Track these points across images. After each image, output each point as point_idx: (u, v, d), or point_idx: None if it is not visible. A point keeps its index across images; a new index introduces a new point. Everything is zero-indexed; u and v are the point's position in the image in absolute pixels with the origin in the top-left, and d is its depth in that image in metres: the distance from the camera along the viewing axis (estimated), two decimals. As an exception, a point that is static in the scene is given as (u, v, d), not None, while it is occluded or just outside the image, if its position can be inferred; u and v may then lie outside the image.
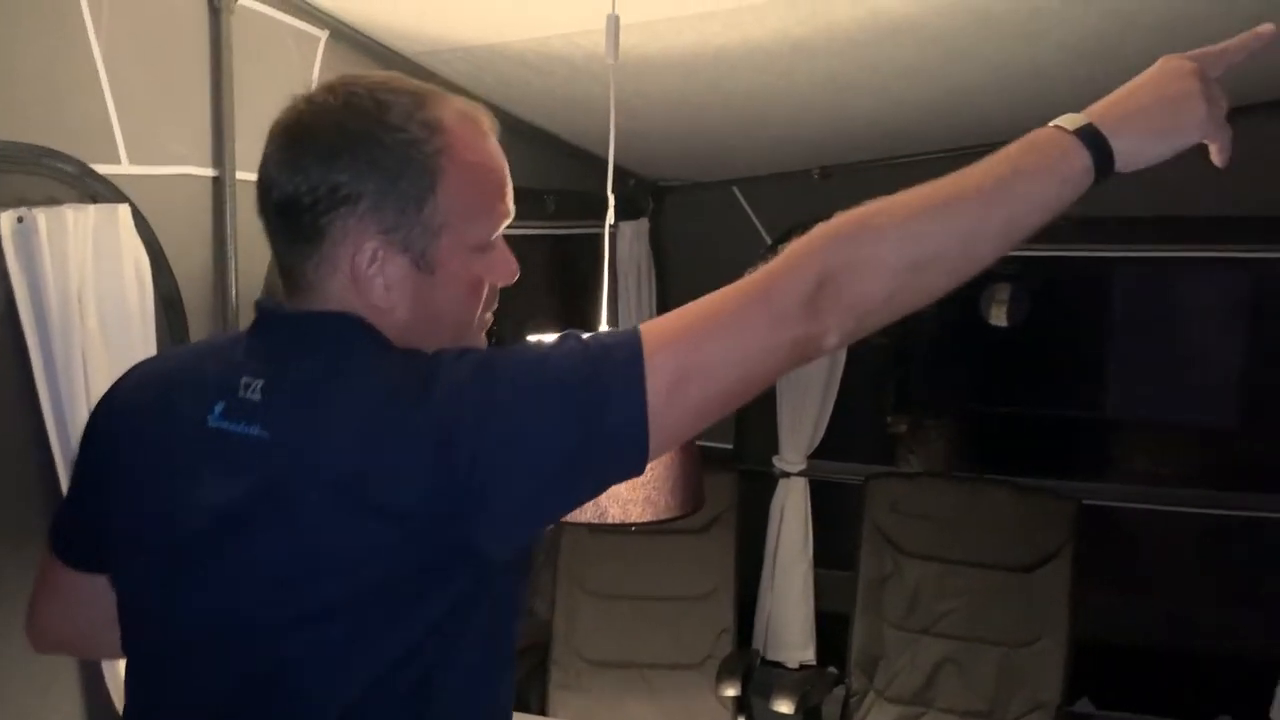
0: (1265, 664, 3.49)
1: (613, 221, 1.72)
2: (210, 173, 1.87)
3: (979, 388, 5.46)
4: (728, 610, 3.29)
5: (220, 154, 1.85)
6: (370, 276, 1.04)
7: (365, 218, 1.03)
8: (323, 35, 2.05)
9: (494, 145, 1.11)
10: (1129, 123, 1.03)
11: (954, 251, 1.00)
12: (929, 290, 1.00)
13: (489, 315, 1.15)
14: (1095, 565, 3.60)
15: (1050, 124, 1.05)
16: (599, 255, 1.86)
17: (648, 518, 1.53)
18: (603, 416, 0.95)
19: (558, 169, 3.10)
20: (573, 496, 1.03)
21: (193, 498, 1.02)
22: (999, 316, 5.14)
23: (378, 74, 1.09)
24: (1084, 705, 3.69)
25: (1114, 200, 3.38)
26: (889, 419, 5.32)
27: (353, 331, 1.04)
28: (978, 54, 2.37)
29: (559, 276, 3.63)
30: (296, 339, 1.06)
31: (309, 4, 2.01)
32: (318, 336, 1.05)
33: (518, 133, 2.82)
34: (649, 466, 1.53)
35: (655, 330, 0.98)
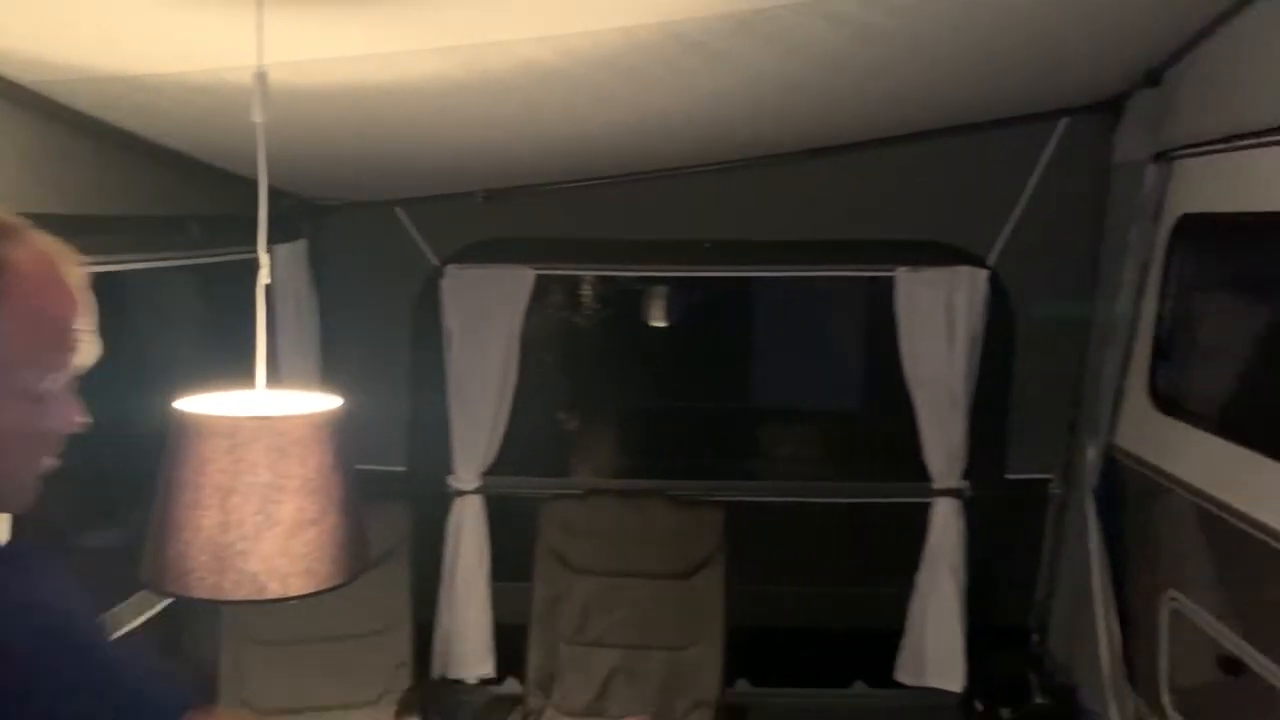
0: (893, 632, 3.98)
1: (268, 280, 1.66)
2: None
3: (642, 389, 5.73)
4: (405, 642, 3.27)
5: None
6: None
7: None
8: (-84, 64, 1.82)
9: (69, 293, 1.06)
10: None
11: None
12: None
13: (49, 461, 1.10)
14: (748, 555, 3.95)
15: None
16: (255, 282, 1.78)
17: (309, 589, 1.50)
18: None
19: (201, 192, 2.92)
20: None
21: None
22: (658, 316, 5.45)
23: None
24: (742, 685, 4.03)
25: (754, 227, 3.71)
26: (561, 416, 5.49)
27: None
28: (625, 100, 2.51)
29: (210, 308, 3.43)
30: None
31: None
32: None
33: (153, 157, 2.63)
34: (308, 534, 1.51)
35: None
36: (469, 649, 3.83)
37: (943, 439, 3.86)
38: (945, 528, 3.90)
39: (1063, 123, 3.56)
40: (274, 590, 1.48)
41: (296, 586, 1.49)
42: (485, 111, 2.58)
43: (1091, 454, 3.53)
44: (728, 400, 5.67)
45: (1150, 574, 3.25)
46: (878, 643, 4.00)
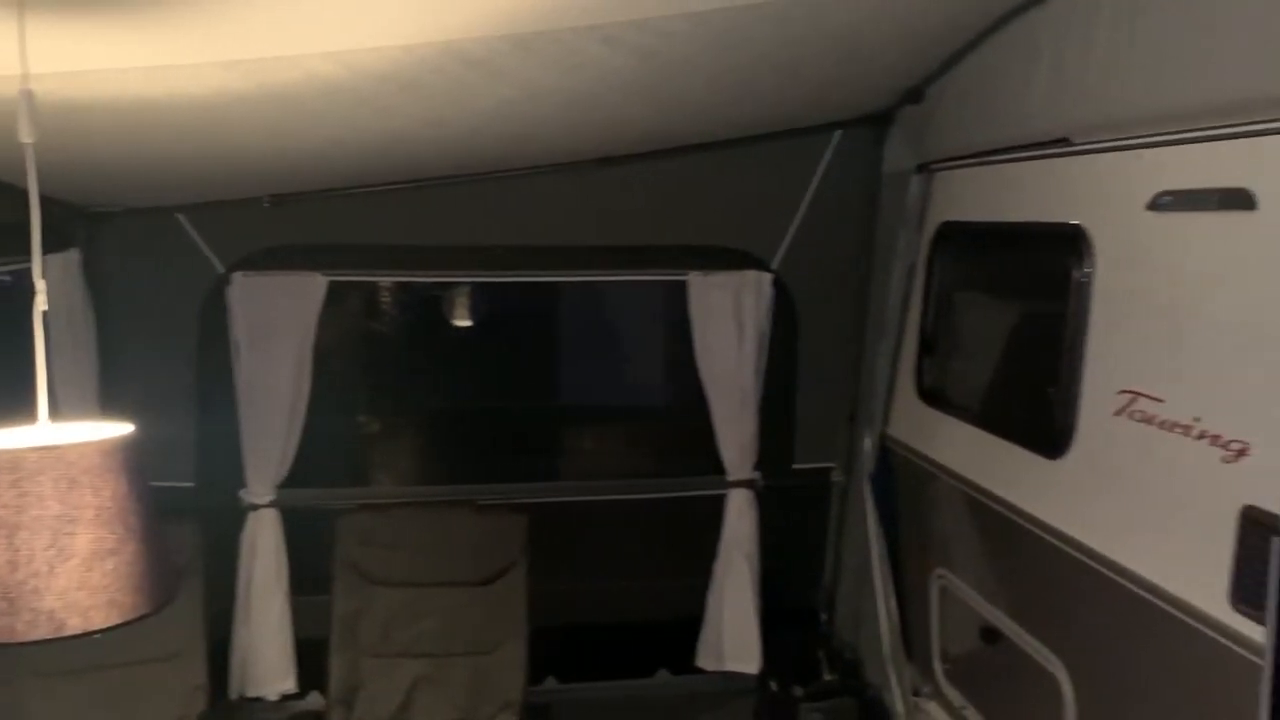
0: (693, 621, 4.13)
1: (45, 307, 1.59)
2: None
3: (448, 391, 5.69)
4: (200, 664, 3.15)
5: None
6: None
7: None
8: None
9: None
10: None
11: None
12: None
13: None
14: (555, 554, 4.01)
15: None
16: (30, 296, 1.70)
17: (114, 622, 1.45)
18: None
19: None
20: None
21: None
22: (462, 316, 5.42)
23: None
24: (550, 683, 4.10)
25: (551, 232, 3.77)
26: (362, 423, 5.37)
27: None
28: (409, 112, 2.51)
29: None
30: None
31: None
32: None
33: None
34: (108, 565, 1.47)
35: None
36: (268, 666, 3.73)
37: (736, 433, 4.03)
38: (739, 517, 4.08)
39: (836, 135, 3.79)
40: (75, 626, 1.42)
41: (99, 620, 1.43)
42: (270, 121, 2.53)
43: (867, 443, 3.79)
44: (534, 400, 5.70)
45: (921, 554, 3.52)
46: (679, 632, 4.15)
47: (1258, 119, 1.95)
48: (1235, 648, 1.96)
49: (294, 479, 3.75)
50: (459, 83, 2.26)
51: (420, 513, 3.47)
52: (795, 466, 4.20)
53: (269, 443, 3.69)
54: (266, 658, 3.73)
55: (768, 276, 3.92)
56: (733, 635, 4.08)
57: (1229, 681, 1.95)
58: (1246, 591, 1.95)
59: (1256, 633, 1.84)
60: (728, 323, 3.92)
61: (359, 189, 3.57)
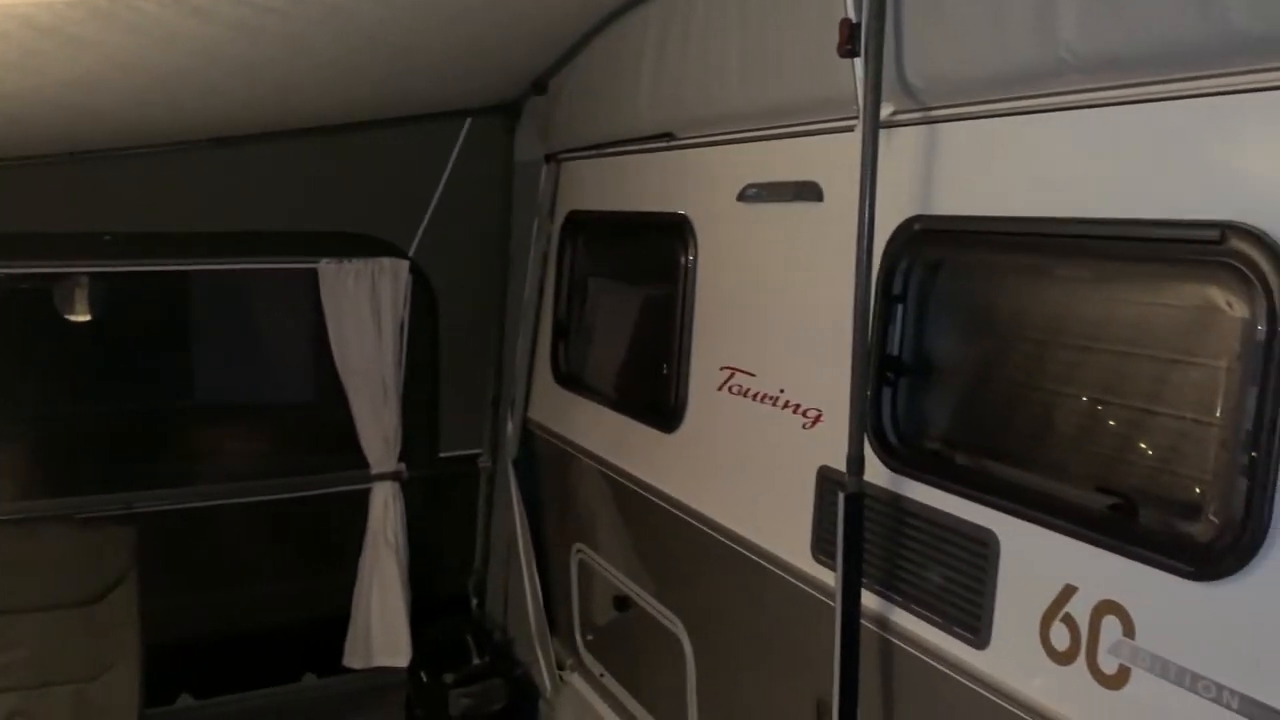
0: (341, 619, 4.01)
1: None
2: None
3: (60, 394, 5.14)
4: None
5: None
6: None
7: None
8: None
9: None
10: None
11: None
12: None
13: None
14: (184, 565, 3.74)
15: None
16: None
17: None
18: None
19: None
20: None
21: None
22: (80, 310, 4.89)
23: None
24: (185, 700, 3.84)
25: (164, 218, 3.48)
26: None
27: None
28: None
29: None
30: None
31: None
32: None
33: None
34: None
35: None
36: None
37: (378, 425, 3.96)
38: (385, 511, 4.02)
39: (468, 123, 3.80)
40: None
41: None
42: None
43: (510, 428, 3.86)
44: (161, 399, 5.24)
45: (562, 531, 3.63)
46: (327, 633, 4.02)
47: (824, 118, 2.17)
48: (815, 594, 2.19)
49: None
50: (29, 51, 2.04)
51: (8, 531, 3.10)
52: (442, 455, 4.19)
53: None
54: None
55: (404, 264, 3.87)
56: (381, 630, 4.02)
57: (814, 623, 2.16)
58: (823, 543, 2.17)
59: (830, 578, 2.05)
60: (364, 312, 3.84)
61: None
